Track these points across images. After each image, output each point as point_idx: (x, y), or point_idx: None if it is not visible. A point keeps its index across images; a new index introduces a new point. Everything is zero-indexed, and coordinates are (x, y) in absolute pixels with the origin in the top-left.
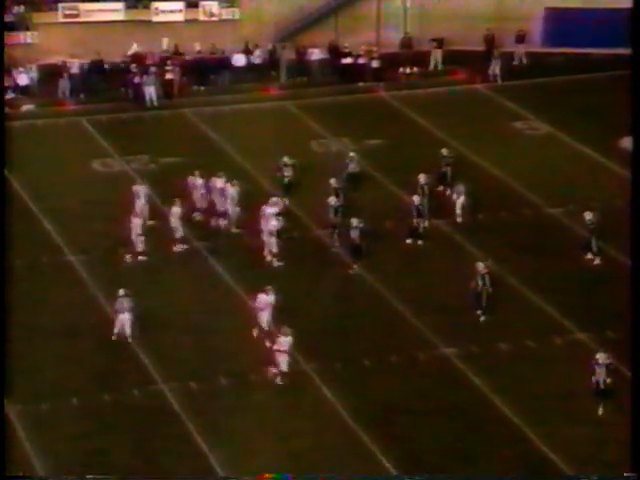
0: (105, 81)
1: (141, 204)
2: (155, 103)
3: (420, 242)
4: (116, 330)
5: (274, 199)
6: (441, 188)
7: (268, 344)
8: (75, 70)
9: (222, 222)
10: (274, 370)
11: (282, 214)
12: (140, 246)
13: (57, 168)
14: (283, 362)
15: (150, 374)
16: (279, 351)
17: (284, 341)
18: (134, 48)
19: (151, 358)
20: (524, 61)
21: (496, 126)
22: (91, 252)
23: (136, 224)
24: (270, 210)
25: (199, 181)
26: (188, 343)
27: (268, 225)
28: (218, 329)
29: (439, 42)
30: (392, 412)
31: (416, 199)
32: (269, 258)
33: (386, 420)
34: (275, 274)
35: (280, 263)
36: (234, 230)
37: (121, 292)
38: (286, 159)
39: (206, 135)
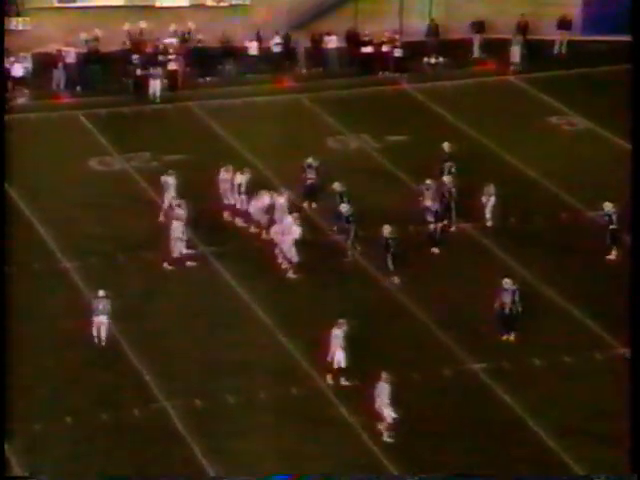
0: (103, 72)
1: (170, 197)
2: (158, 99)
3: (436, 250)
4: (95, 334)
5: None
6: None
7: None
8: (71, 60)
9: (250, 226)
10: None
11: (300, 220)
12: (179, 250)
13: (51, 166)
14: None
15: (151, 391)
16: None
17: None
18: (134, 27)
19: (153, 373)
20: (564, 50)
21: (530, 121)
22: (88, 258)
23: (175, 227)
24: (288, 217)
25: (228, 177)
26: (193, 357)
27: (288, 234)
28: (226, 343)
29: (479, 26)
30: (414, 433)
31: (429, 201)
32: (288, 270)
33: (408, 442)
34: (290, 285)
35: (295, 275)
36: (265, 236)
37: (101, 293)
38: (311, 160)
39: (213, 131)
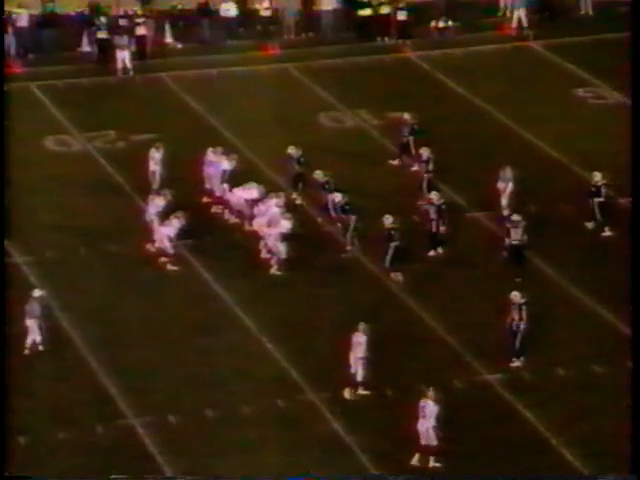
0: (61, 38)
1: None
2: (130, 72)
3: (442, 251)
4: (29, 341)
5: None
6: (396, 162)
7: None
8: (23, 23)
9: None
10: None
11: (290, 210)
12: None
13: None
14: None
15: (118, 406)
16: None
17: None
18: None
19: (119, 386)
20: (590, 12)
21: (553, 94)
22: (43, 252)
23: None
24: (275, 208)
25: (215, 160)
26: (166, 367)
27: (275, 227)
28: (204, 350)
29: None
30: (421, 453)
31: (436, 196)
32: (274, 267)
33: (412, 463)
34: (277, 283)
35: (280, 272)
36: (248, 227)
37: (36, 293)
38: (291, 150)
39: (188, 106)
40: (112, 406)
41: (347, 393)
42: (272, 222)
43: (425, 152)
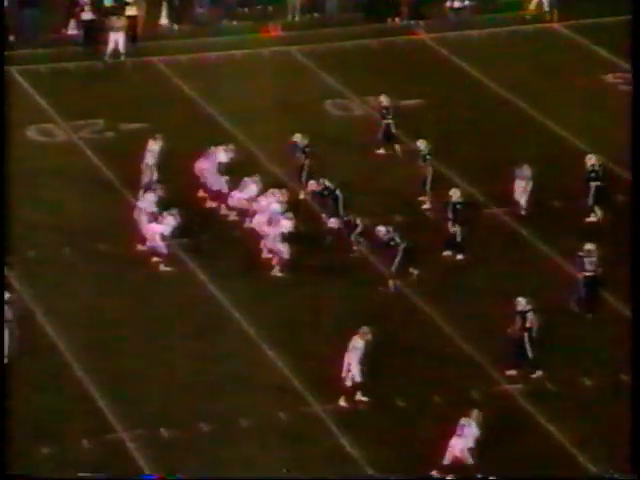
0: (45, 18)
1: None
2: (122, 56)
3: (460, 256)
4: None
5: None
6: (382, 151)
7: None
8: (3, 2)
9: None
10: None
11: (290, 208)
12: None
13: None
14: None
15: (106, 418)
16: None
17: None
18: None
19: (107, 396)
20: None
21: (580, 80)
22: (25, 251)
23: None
24: (276, 205)
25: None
26: (158, 376)
27: (276, 226)
28: (199, 357)
29: None
30: (435, 470)
31: (455, 193)
32: (276, 267)
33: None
34: (278, 285)
35: (282, 273)
36: (248, 225)
37: (6, 296)
38: (297, 138)
39: (183, 93)
40: (100, 418)
41: (343, 401)
42: (272, 221)
43: (422, 144)
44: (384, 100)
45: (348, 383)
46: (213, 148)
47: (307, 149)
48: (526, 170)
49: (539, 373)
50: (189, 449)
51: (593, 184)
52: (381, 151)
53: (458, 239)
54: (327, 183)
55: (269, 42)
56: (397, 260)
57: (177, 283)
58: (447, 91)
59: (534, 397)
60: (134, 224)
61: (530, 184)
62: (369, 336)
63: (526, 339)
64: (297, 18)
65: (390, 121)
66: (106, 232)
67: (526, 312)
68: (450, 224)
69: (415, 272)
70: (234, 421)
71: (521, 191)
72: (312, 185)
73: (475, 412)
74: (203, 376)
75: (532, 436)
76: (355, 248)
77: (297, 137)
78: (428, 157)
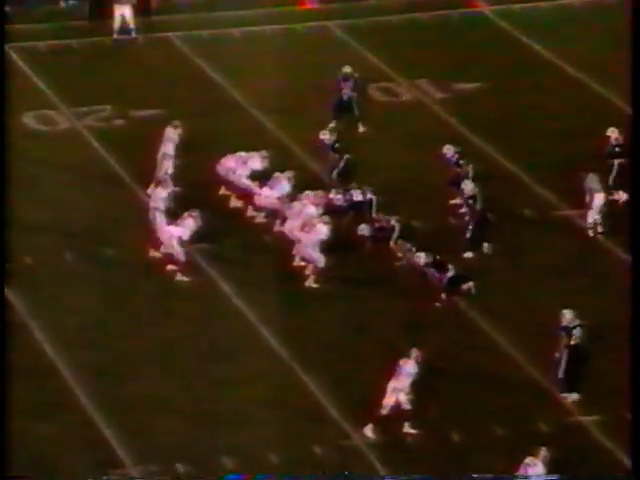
0: None
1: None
2: (132, 32)
3: (469, 254)
4: None
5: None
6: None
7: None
8: None
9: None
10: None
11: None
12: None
13: None
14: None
15: (114, 451)
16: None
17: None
18: None
19: (116, 426)
20: None
21: None
22: (22, 257)
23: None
24: (311, 209)
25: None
26: (174, 403)
27: (311, 232)
28: (221, 382)
29: None
30: None
31: (468, 186)
32: (310, 278)
33: None
34: (313, 298)
35: (318, 284)
36: (278, 229)
37: None
38: (325, 134)
39: (203, 74)
40: (107, 451)
41: (369, 431)
42: (307, 226)
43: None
44: (349, 71)
45: (385, 411)
46: (244, 154)
47: (336, 145)
48: (593, 181)
49: (574, 396)
50: None
51: (617, 161)
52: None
53: (468, 235)
54: (355, 193)
55: (303, 16)
56: (448, 276)
57: (196, 295)
58: (511, 72)
59: (612, 430)
60: (147, 226)
61: (601, 198)
62: (419, 358)
63: (565, 358)
64: None
65: (354, 94)
66: (114, 235)
67: (571, 328)
68: (467, 220)
69: (471, 285)
70: (262, 456)
71: (590, 205)
72: (338, 200)
73: (543, 450)
74: (226, 403)
75: (609, 468)
76: (400, 255)
77: (325, 134)
78: (462, 162)
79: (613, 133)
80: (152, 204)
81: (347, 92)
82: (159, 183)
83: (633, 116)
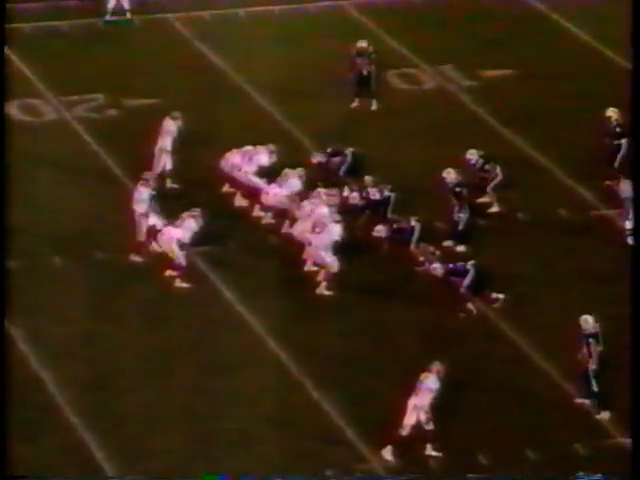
0: None
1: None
2: (127, 13)
3: (462, 247)
4: None
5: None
6: (356, 103)
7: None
8: None
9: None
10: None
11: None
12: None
13: None
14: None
15: (104, 471)
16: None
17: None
18: None
19: (107, 445)
20: None
21: None
22: (6, 261)
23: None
24: (324, 209)
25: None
26: (171, 421)
27: (323, 233)
28: (224, 398)
29: None
30: None
31: (450, 174)
32: (322, 284)
33: None
34: (325, 306)
35: (330, 292)
36: (287, 230)
37: None
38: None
39: (205, 59)
40: (97, 471)
41: (388, 453)
42: (318, 226)
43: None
44: (364, 45)
45: (405, 432)
46: (251, 148)
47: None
48: (625, 189)
49: (605, 415)
50: None
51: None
52: (355, 104)
53: (460, 227)
54: (372, 191)
55: None
56: (468, 281)
57: (197, 303)
58: (545, 58)
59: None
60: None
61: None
62: (441, 373)
63: (591, 368)
64: None
65: (372, 68)
66: (106, 237)
67: (590, 335)
68: (456, 210)
69: (500, 296)
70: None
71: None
72: (354, 198)
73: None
74: (229, 422)
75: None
76: (421, 259)
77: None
78: (487, 166)
79: (612, 112)
80: (134, 205)
81: (367, 67)
82: (143, 182)
83: None
